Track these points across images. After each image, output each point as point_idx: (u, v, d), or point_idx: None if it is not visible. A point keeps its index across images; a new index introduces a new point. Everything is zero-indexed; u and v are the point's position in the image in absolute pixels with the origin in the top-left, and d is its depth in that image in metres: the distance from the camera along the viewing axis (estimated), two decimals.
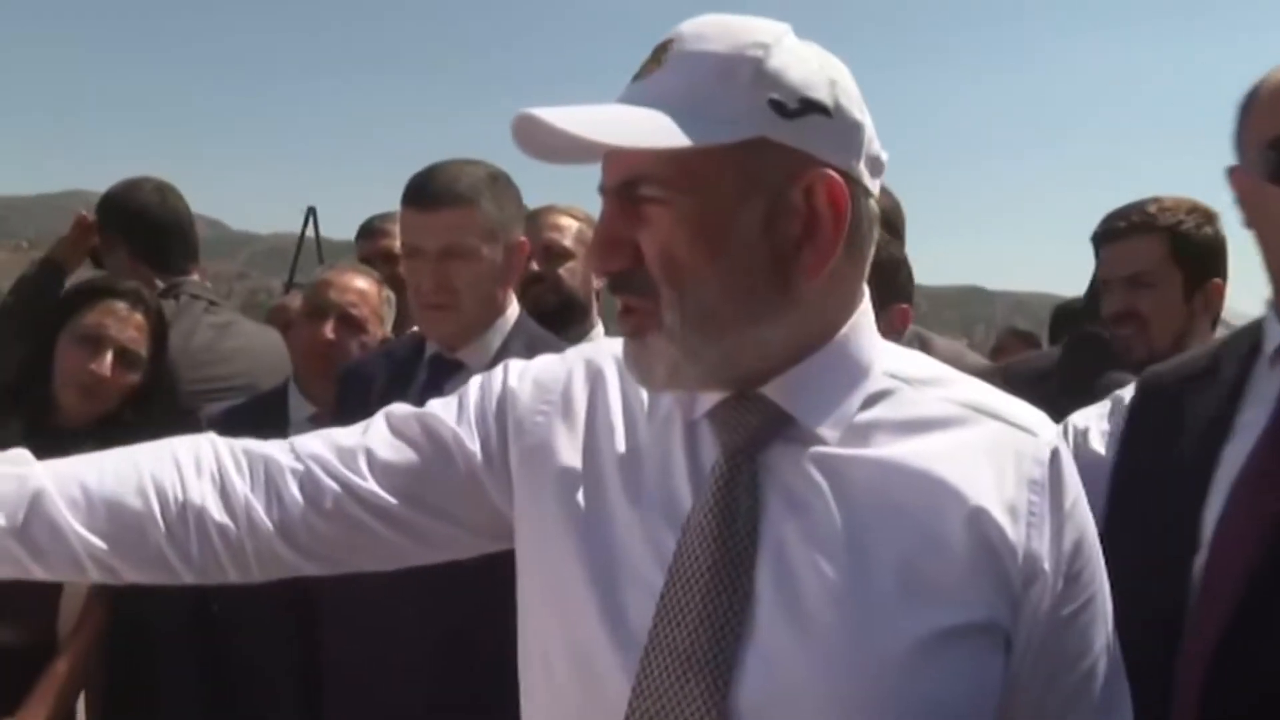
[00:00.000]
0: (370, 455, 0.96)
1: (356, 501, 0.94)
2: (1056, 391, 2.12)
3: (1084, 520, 0.88)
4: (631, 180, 0.83)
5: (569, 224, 2.28)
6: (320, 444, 0.98)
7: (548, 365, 1.00)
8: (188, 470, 0.94)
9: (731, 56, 0.81)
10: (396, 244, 2.84)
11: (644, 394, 0.93)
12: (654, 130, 0.79)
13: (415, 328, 2.65)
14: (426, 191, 1.69)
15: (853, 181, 0.83)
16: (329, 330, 2.12)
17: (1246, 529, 1.08)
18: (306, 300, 2.21)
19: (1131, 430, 1.35)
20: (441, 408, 0.99)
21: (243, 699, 2.03)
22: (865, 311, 0.90)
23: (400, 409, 1.01)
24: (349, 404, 1.82)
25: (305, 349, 2.15)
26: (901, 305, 1.61)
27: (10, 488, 0.91)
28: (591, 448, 0.93)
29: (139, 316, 1.97)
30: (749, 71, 0.80)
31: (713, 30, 0.83)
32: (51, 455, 1.79)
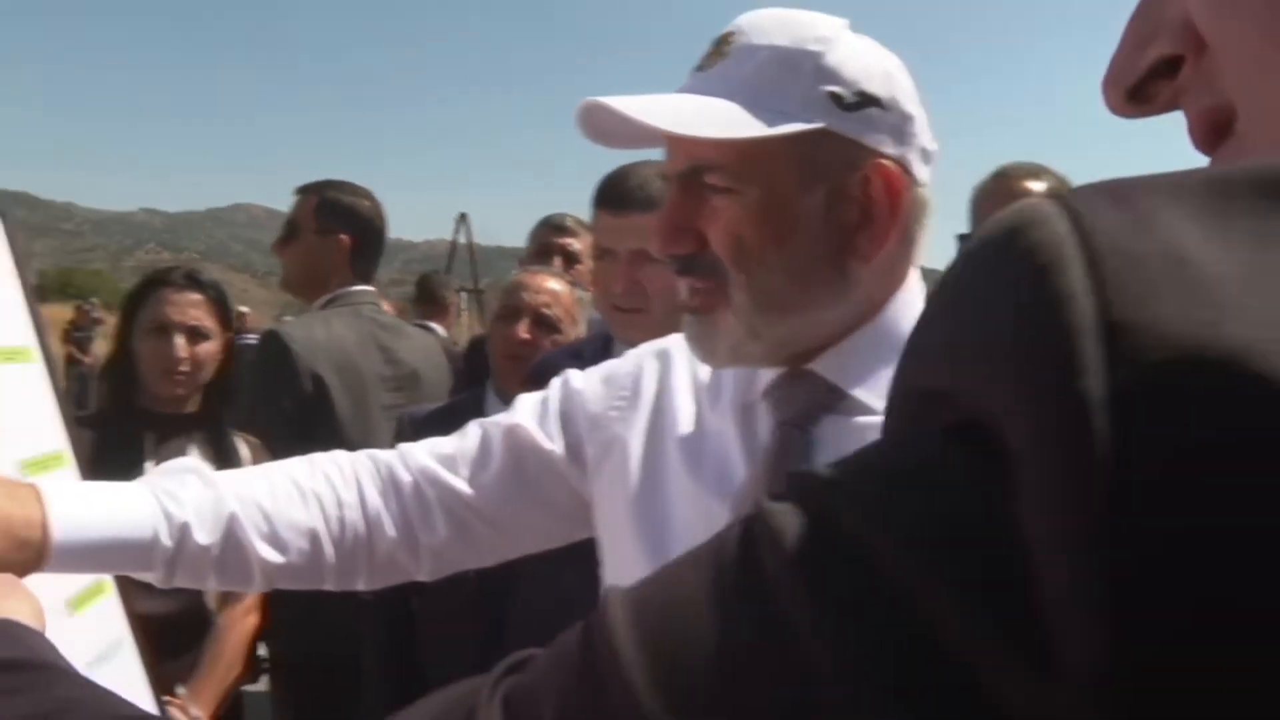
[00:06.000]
0: (470, 463, 1.03)
1: (463, 506, 1.01)
2: None
3: None
4: (697, 168, 0.86)
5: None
6: (425, 454, 1.04)
7: (618, 363, 1.07)
8: (339, 486, 1.00)
9: (793, 50, 0.85)
10: (575, 243, 2.81)
11: (706, 379, 0.99)
12: (717, 120, 0.83)
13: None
14: (619, 194, 1.68)
15: (905, 170, 0.87)
16: (523, 330, 2.15)
17: None
18: (501, 303, 2.26)
19: None
20: (527, 415, 1.05)
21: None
22: (912, 289, 0.94)
23: (490, 421, 1.07)
24: None
25: (500, 349, 2.19)
26: None
27: (208, 509, 0.94)
28: (657, 432, 0.99)
29: (194, 295, 2.03)
30: (810, 65, 0.84)
31: (773, 24, 0.87)
32: (156, 437, 1.95)
